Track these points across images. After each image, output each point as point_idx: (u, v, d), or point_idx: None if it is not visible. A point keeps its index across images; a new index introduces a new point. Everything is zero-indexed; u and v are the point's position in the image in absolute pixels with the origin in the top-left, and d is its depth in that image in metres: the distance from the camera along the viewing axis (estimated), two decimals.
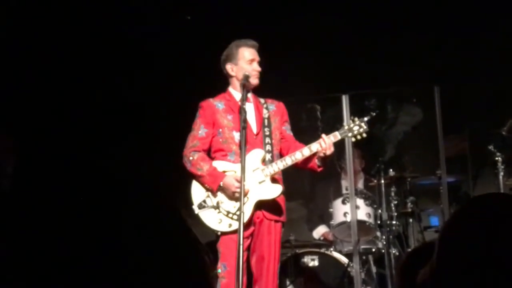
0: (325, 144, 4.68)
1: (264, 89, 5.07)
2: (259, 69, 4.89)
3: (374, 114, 5.00)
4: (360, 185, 7.16)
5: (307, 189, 7.46)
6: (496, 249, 1.64)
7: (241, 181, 4.47)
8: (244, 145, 4.58)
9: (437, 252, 1.73)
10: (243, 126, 4.62)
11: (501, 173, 6.25)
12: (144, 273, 1.33)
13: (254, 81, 4.88)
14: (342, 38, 7.08)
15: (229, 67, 4.95)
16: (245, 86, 4.82)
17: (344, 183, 7.14)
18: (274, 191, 4.71)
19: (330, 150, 4.71)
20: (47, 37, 6.66)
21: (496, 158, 6.28)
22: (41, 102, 6.65)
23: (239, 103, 4.85)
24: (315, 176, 6.45)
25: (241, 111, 4.67)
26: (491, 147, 6.32)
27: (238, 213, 4.63)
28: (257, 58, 4.91)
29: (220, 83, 5.07)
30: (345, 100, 6.48)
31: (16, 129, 6.13)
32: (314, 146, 4.71)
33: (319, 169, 4.85)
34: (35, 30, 6.60)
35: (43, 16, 6.61)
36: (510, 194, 1.67)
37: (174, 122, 5.58)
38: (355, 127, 4.80)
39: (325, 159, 4.78)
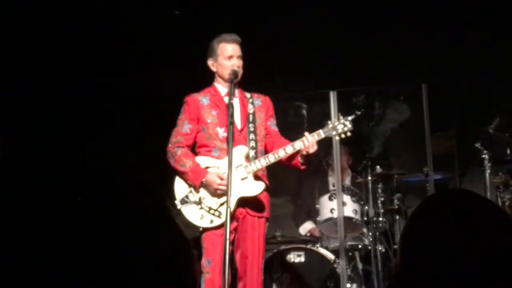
0: (308, 142, 4.65)
1: (251, 84, 5.06)
2: (238, 64, 4.85)
3: (359, 113, 4.99)
4: (347, 181, 7.16)
5: (294, 185, 7.45)
6: (458, 246, 1.63)
7: (228, 177, 4.46)
8: (231, 141, 4.57)
9: (400, 253, 1.73)
10: (230, 121, 4.61)
11: (488, 171, 6.25)
12: (130, 267, 1.32)
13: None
14: (330, 35, 7.07)
15: (210, 63, 4.94)
16: (232, 82, 4.80)
17: (331, 180, 7.13)
18: (256, 188, 4.70)
19: (313, 149, 4.68)
20: (27, 31, 6.64)
21: (483, 156, 6.28)
22: (26, 98, 6.64)
23: (225, 98, 4.84)
24: (302, 173, 6.45)
25: (228, 107, 4.66)
26: (478, 145, 6.32)
27: (220, 209, 4.64)
28: (238, 53, 4.87)
29: (206, 77, 5.06)
30: (333, 96, 6.47)
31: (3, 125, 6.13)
32: (297, 144, 4.69)
33: (302, 167, 4.83)
34: (13, 23, 6.58)
35: (22, 9, 6.58)
36: (469, 190, 1.66)
37: (159, 117, 5.57)
38: (339, 126, 4.77)
39: (308, 157, 4.76)
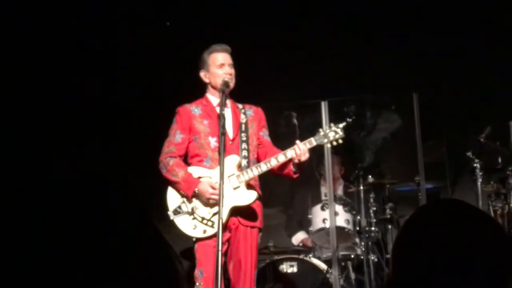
0: (299, 150, 4.68)
1: (242, 94, 5.07)
2: (230, 71, 4.89)
3: (350, 120, 5.01)
4: (340, 191, 7.18)
5: (286, 195, 7.46)
6: (451, 256, 1.65)
7: (219, 187, 4.46)
8: (223, 151, 4.58)
9: (392, 263, 1.74)
10: (222, 132, 4.61)
11: (479, 180, 6.29)
12: (115, 279, 1.33)
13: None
14: (321, 44, 7.09)
15: (202, 74, 4.97)
16: (224, 92, 4.82)
17: (324, 190, 7.15)
18: (249, 197, 4.70)
19: (304, 157, 4.71)
20: (17, 36, 6.65)
21: (474, 165, 6.32)
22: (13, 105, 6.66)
23: (216, 108, 4.86)
24: (294, 183, 6.45)
25: (220, 117, 4.66)
26: (469, 154, 6.36)
27: (213, 219, 4.64)
28: (229, 61, 4.91)
29: (198, 88, 5.07)
30: (324, 106, 6.50)
31: None
32: (289, 153, 4.71)
33: (295, 176, 4.85)
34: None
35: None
36: (461, 200, 1.66)
37: (151, 128, 5.57)
38: (330, 133, 4.79)
39: (300, 165, 4.78)
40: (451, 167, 7.07)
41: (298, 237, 7.09)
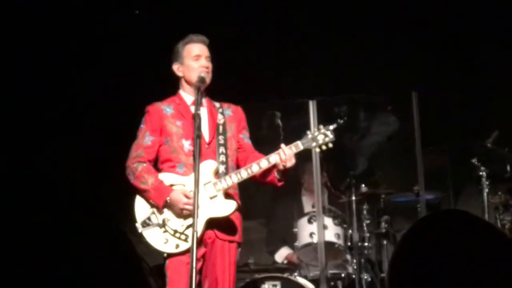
0: (284, 155, 4.67)
1: (219, 93, 5.06)
2: (207, 64, 4.87)
3: (341, 121, 5.01)
4: (324, 202, 7.18)
5: (267, 206, 7.45)
6: (454, 275, 1.64)
7: (194, 196, 4.44)
8: (198, 156, 4.55)
9: (388, 283, 1.74)
10: (197, 134, 4.58)
11: (486, 190, 6.31)
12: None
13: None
14: (310, 38, 7.10)
15: (175, 67, 4.95)
16: (199, 89, 4.80)
17: (305, 200, 7.15)
18: (227, 208, 4.69)
19: (290, 162, 4.70)
20: None
21: (480, 173, 6.34)
22: None
23: (191, 107, 4.84)
24: (277, 192, 6.45)
25: (195, 117, 4.63)
26: (474, 161, 6.39)
27: (186, 232, 4.62)
28: (206, 53, 4.90)
29: (171, 85, 5.05)
30: (312, 106, 6.51)
31: None
32: (273, 158, 4.69)
33: (279, 183, 4.84)
34: None
35: None
36: (465, 211, 1.66)
37: (117, 128, 5.55)
38: (319, 136, 4.79)
39: (285, 172, 4.77)
40: (454, 175, 7.10)
41: (282, 254, 7.08)
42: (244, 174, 4.71)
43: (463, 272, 1.64)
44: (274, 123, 6.34)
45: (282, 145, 4.73)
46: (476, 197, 6.46)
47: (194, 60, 4.86)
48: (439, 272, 1.64)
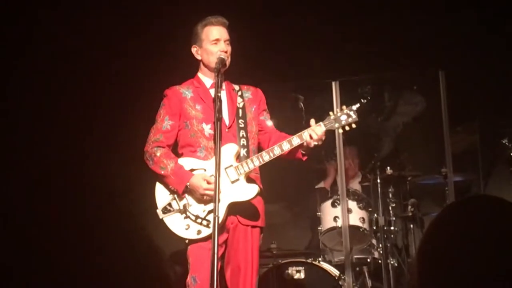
0: (316, 135, 4.67)
1: (241, 75, 5.05)
2: (226, 48, 4.86)
3: (364, 101, 5.01)
4: (356, 185, 7.17)
5: (291, 189, 7.45)
6: (486, 263, 1.63)
7: (215, 180, 4.44)
8: (219, 140, 4.55)
9: (417, 271, 1.73)
10: (218, 117, 4.57)
11: None
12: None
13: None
14: (331, 17, 7.04)
15: (194, 50, 4.96)
16: (219, 71, 4.79)
17: (324, 185, 7.15)
18: (249, 192, 4.69)
19: (321, 141, 4.72)
20: None
21: (511, 154, 6.31)
22: None
23: (210, 90, 4.84)
24: (299, 175, 6.45)
25: (215, 100, 4.62)
26: (505, 141, 6.36)
27: (208, 218, 4.63)
28: (225, 37, 4.89)
29: (191, 67, 5.05)
30: (335, 87, 6.49)
31: None
32: (295, 140, 4.69)
33: (304, 158, 4.85)
34: None
35: None
36: (497, 196, 1.65)
37: (134, 114, 5.56)
38: (342, 117, 4.78)
39: (311, 148, 4.77)
40: (484, 156, 7.05)
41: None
42: (266, 157, 4.71)
43: (498, 265, 1.62)
44: (296, 105, 6.35)
45: (312, 122, 4.72)
46: (507, 180, 6.43)
47: (213, 44, 4.86)
48: (470, 259, 1.63)
